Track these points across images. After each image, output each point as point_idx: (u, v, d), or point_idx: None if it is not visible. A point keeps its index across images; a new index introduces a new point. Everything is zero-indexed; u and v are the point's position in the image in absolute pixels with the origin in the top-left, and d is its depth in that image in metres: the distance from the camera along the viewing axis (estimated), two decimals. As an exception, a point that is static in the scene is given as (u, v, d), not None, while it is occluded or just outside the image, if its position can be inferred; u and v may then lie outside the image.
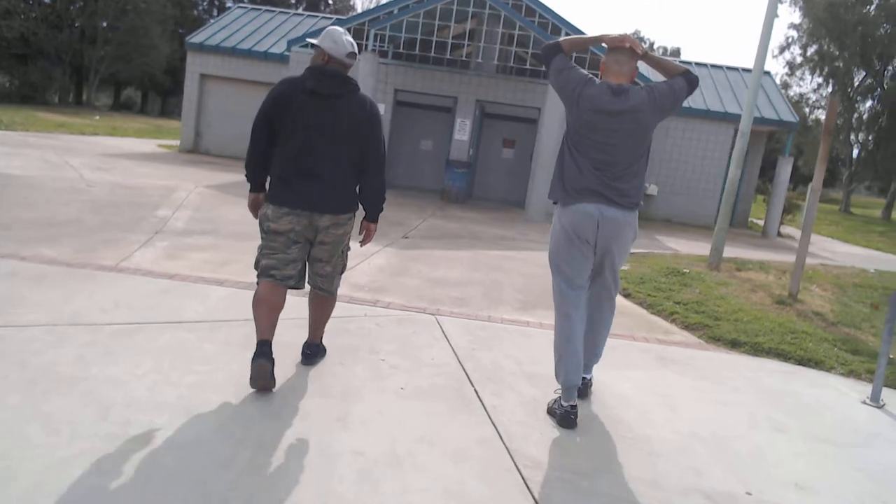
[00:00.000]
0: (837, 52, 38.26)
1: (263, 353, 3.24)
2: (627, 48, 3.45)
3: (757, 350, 5.37)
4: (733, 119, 16.82)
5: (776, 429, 3.81)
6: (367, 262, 6.98)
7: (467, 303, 5.84)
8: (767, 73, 20.06)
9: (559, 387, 3.54)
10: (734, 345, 5.46)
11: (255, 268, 3.43)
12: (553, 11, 14.24)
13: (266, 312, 3.31)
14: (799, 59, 41.20)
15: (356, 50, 3.39)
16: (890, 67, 38.52)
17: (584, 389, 3.79)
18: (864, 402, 4.45)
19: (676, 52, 63.57)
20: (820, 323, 6.49)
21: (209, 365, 3.62)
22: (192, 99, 18.82)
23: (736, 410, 4.03)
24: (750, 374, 4.81)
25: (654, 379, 4.42)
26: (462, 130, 15.18)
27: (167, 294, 4.89)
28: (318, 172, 3.28)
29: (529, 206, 13.19)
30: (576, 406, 3.44)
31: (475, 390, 3.78)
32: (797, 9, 39.69)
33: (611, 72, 3.51)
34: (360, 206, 3.55)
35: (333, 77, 3.29)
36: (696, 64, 19.74)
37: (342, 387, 3.58)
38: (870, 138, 37.99)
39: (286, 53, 16.99)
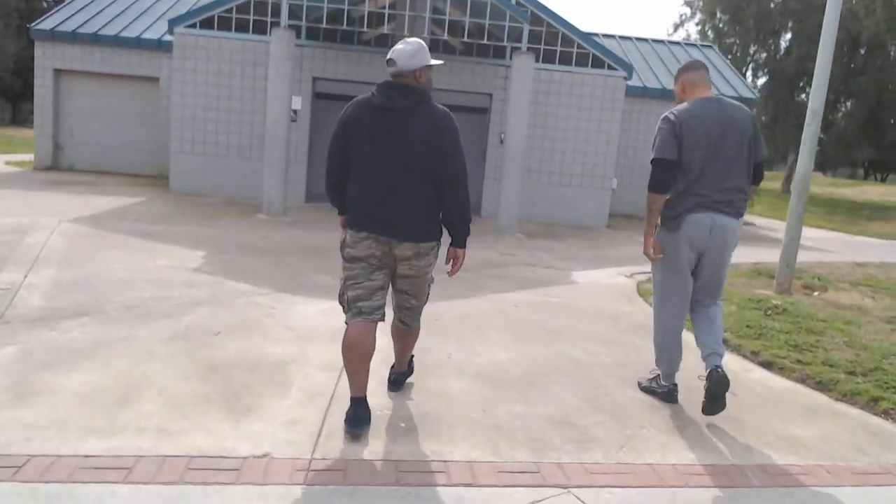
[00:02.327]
0: (733, 29, 38.37)
1: (360, 415, 3.12)
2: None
3: None
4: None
5: None
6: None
7: (591, 436, 3.32)
8: (711, 46, 18.69)
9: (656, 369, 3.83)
10: None
11: (340, 302, 3.27)
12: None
13: (359, 359, 3.15)
14: (695, 37, 41.19)
15: (393, 55, 3.07)
16: (782, 42, 39.15)
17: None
18: None
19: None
20: None
21: None
22: (45, 102, 14.93)
23: None
24: None
25: None
26: (400, 125, 12.51)
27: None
28: (394, 194, 3.06)
29: (500, 216, 10.78)
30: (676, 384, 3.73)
31: None
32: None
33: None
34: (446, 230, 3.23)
35: (401, 89, 3.08)
36: (637, 39, 18.00)
37: None
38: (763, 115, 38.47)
39: (167, 38, 13.61)
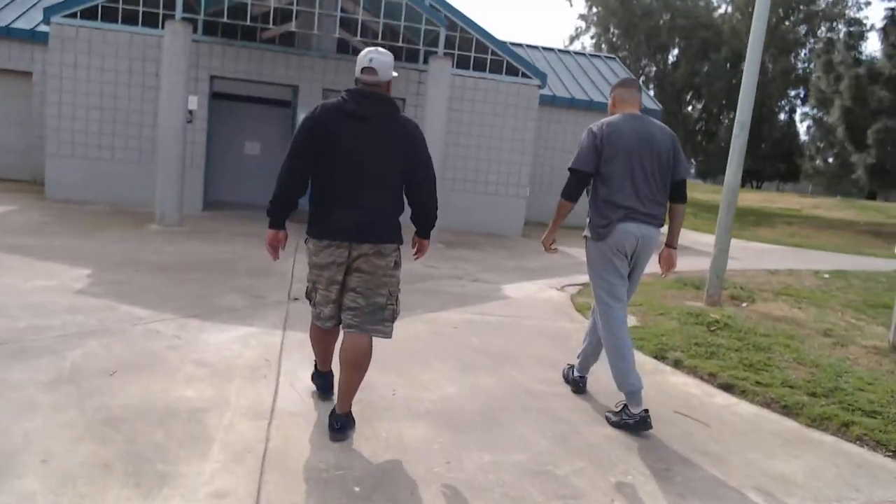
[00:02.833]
0: (625, 43, 39.90)
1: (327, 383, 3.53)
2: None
3: None
4: (600, 108, 15.30)
5: None
6: (284, 379, 3.71)
7: (574, 488, 2.88)
8: (613, 57, 19.07)
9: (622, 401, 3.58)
10: None
11: (307, 297, 3.37)
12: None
13: (324, 350, 3.46)
14: (590, 49, 42.54)
15: (374, 64, 3.08)
16: (670, 57, 41.12)
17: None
18: None
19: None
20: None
21: None
22: None
23: None
24: None
25: None
26: (308, 129, 11.77)
27: None
28: (361, 201, 3.05)
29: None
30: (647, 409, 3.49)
31: None
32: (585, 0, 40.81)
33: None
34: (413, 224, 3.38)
35: (374, 98, 3.07)
36: (545, 49, 18.07)
37: None
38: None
39: (42, 28, 12.20)
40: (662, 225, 3.69)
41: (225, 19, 10.13)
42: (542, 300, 6.72)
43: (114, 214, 10.09)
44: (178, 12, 9.52)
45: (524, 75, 12.40)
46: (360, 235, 3.05)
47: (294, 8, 10.14)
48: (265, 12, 10.79)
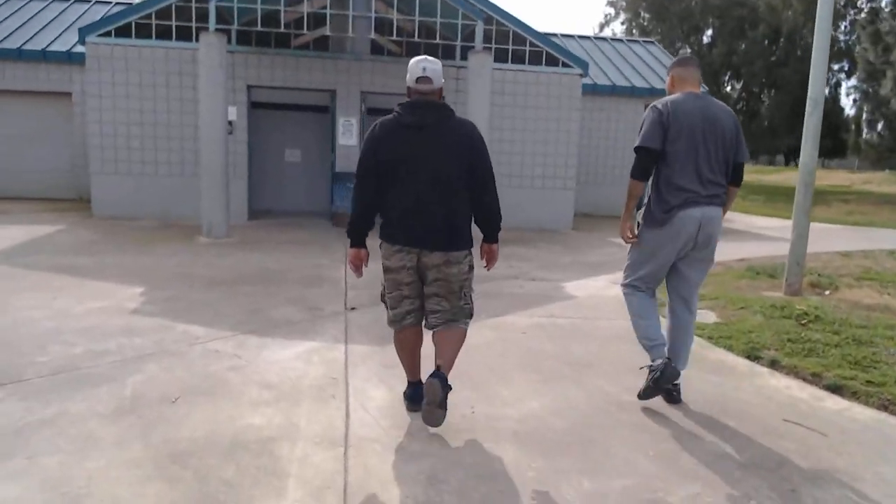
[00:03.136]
0: (657, 26, 38.97)
1: (419, 393, 3.27)
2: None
3: None
4: (642, 94, 14.83)
5: None
6: (354, 400, 3.45)
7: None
8: (652, 41, 18.50)
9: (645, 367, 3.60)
10: None
11: (382, 301, 3.42)
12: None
13: (407, 355, 3.41)
14: (621, 36, 41.71)
15: (428, 73, 3.17)
16: (704, 38, 40.05)
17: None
18: None
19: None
20: None
21: None
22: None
23: None
24: None
25: None
26: (348, 133, 11.58)
27: None
28: (428, 209, 3.14)
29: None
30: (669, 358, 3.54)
31: None
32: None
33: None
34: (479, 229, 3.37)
35: (428, 106, 3.17)
36: (580, 37, 17.61)
37: None
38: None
39: (78, 49, 12.24)
40: (724, 204, 3.57)
41: (258, 28, 9.99)
42: (610, 298, 6.36)
43: (161, 229, 10.03)
44: (212, 24, 9.40)
45: (565, 65, 12.00)
46: (429, 244, 3.16)
47: (327, 12, 9.93)
48: (298, 18, 10.62)
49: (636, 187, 3.56)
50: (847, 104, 43.26)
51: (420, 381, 3.39)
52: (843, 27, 36.15)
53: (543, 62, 11.93)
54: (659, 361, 3.50)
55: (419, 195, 3.13)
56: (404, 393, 3.51)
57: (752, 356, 4.48)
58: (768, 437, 3.29)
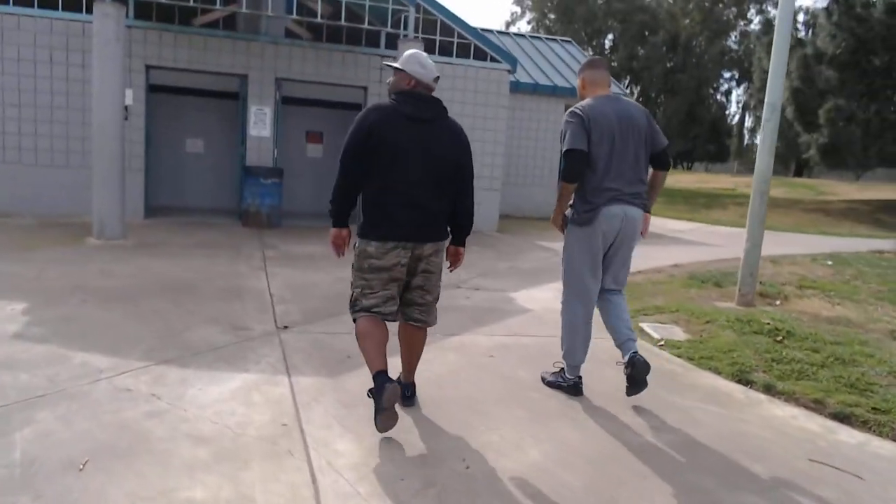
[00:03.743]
0: (562, 28, 39.59)
1: (386, 383, 2.98)
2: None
3: None
4: (563, 94, 14.67)
5: None
6: (317, 454, 2.77)
7: None
8: (569, 41, 18.45)
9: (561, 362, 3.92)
10: None
11: (352, 306, 3.28)
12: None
13: (375, 345, 3.15)
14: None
15: (437, 73, 3.31)
16: (606, 42, 41.11)
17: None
18: None
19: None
20: None
21: None
22: None
23: None
24: None
25: None
26: (261, 123, 10.60)
27: None
28: (424, 202, 3.14)
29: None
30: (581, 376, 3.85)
31: None
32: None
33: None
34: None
35: (429, 101, 3.22)
36: (499, 32, 17.27)
37: None
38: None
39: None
40: (646, 204, 3.72)
41: None
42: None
43: (43, 228, 8.73)
44: (107, -8, 8.22)
45: (493, 59, 11.57)
46: (424, 235, 3.16)
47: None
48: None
49: (567, 189, 3.66)
50: (732, 110, 45.64)
51: (386, 370, 3.06)
52: (733, 37, 38.14)
53: (471, 55, 11.43)
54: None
55: (415, 187, 3.10)
56: (372, 390, 3.04)
57: (743, 380, 4.13)
58: (803, 481, 2.90)
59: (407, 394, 3.46)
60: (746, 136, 44.85)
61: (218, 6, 9.27)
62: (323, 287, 6.26)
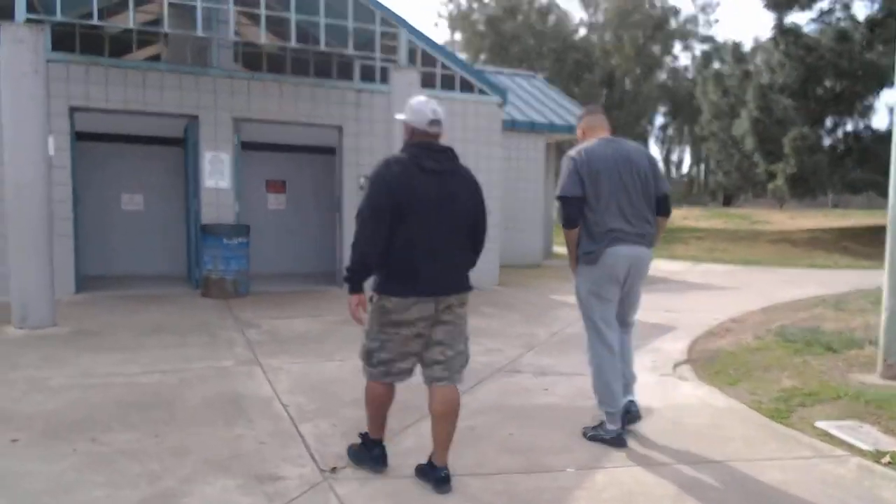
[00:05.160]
0: (494, 67, 39.30)
1: (385, 454, 3.23)
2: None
3: None
4: (542, 130, 13.55)
5: None
6: None
7: None
8: (533, 75, 17.51)
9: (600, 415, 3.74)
10: None
11: (366, 359, 3.16)
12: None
13: (384, 412, 3.21)
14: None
15: (439, 116, 3.08)
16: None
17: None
18: None
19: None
20: None
21: None
22: None
23: None
24: None
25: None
26: (218, 172, 8.81)
27: None
28: (446, 254, 3.05)
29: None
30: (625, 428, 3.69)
31: None
32: (447, 26, 40.05)
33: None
34: None
35: (444, 152, 3.10)
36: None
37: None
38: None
39: None
40: (653, 244, 3.72)
41: (91, 21, 7.03)
42: (699, 407, 4.46)
43: (-62, 319, 6.64)
44: (21, 12, 6.42)
45: (482, 92, 10.26)
46: (447, 288, 3.03)
47: (196, 2, 7.20)
48: (147, 16, 7.86)
49: (570, 235, 3.71)
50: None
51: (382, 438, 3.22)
52: (665, 73, 38.72)
53: (458, 88, 10.08)
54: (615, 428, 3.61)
55: (438, 240, 3.00)
56: (371, 454, 3.22)
57: None
58: None
59: (442, 475, 3.08)
60: (673, 170, 45.73)
61: (165, 28, 7.47)
62: (349, 384, 4.49)
